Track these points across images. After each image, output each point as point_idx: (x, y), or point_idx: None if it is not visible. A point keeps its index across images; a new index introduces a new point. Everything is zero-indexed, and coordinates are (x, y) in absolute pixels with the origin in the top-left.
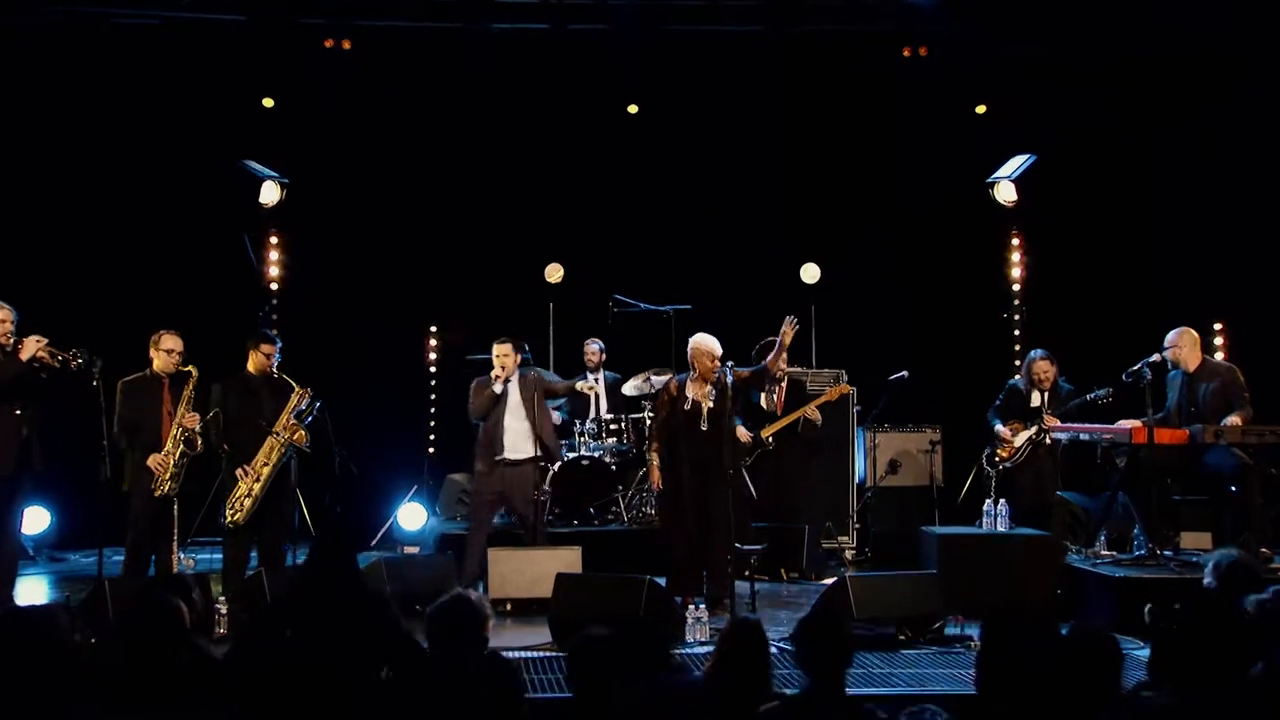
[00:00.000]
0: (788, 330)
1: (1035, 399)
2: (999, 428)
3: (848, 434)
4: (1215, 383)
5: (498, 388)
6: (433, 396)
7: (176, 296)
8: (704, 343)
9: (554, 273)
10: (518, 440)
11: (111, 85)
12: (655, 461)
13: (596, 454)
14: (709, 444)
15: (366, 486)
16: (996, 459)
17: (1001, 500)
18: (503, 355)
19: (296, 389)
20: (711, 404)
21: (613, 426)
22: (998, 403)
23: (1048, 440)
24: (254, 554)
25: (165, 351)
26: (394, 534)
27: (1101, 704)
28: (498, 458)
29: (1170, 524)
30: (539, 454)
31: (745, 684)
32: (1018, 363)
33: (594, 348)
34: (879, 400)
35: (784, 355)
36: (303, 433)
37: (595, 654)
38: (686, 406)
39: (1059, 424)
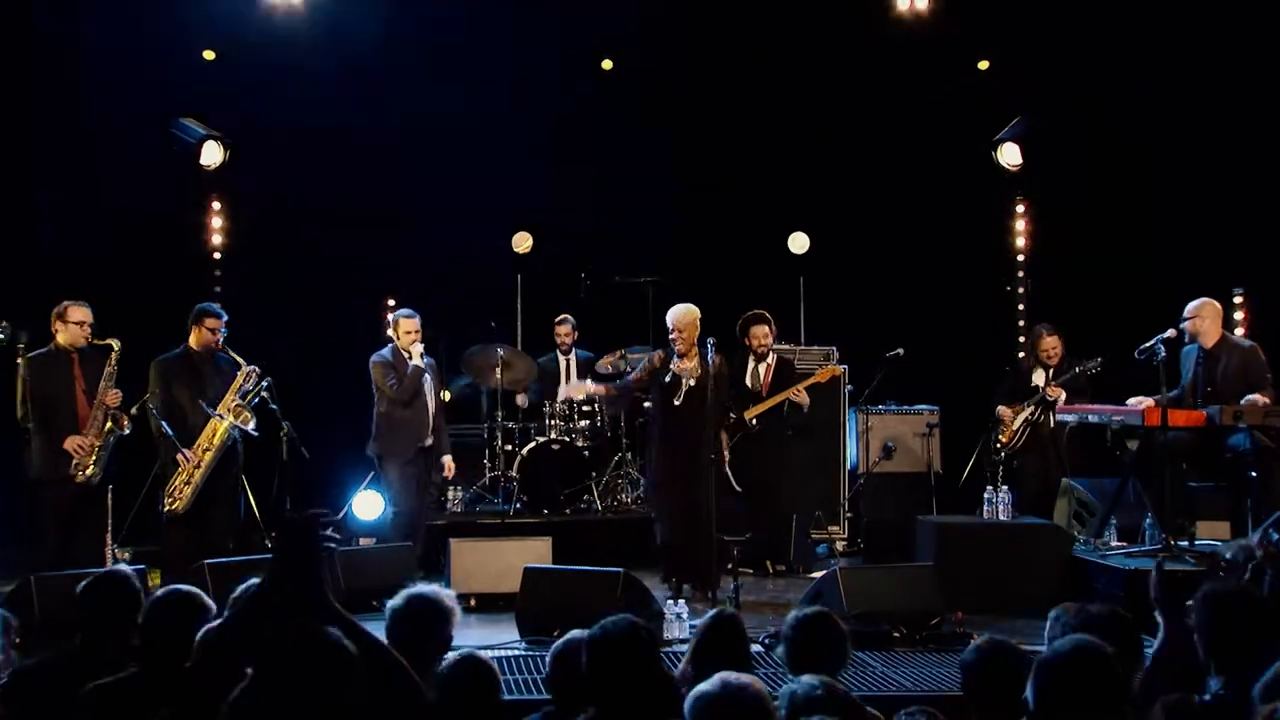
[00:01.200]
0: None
1: (1038, 377)
2: (1000, 409)
3: (839, 416)
4: (1235, 360)
5: (420, 364)
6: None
7: (112, 266)
8: (690, 311)
9: (522, 242)
10: (431, 425)
11: (39, 35)
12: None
13: (568, 438)
14: (685, 423)
15: (319, 472)
16: (997, 444)
17: (1004, 488)
18: (415, 331)
19: (243, 366)
20: (693, 382)
21: (585, 408)
22: (1004, 382)
23: (1051, 422)
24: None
25: (74, 324)
26: (349, 524)
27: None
28: (424, 444)
29: (1185, 512)
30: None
31: None
32: (1022, 339)
33: (566, 326)
34: (872, 380)
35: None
36: (248, 414)
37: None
38: (666, 379)
39: (1062, 395)
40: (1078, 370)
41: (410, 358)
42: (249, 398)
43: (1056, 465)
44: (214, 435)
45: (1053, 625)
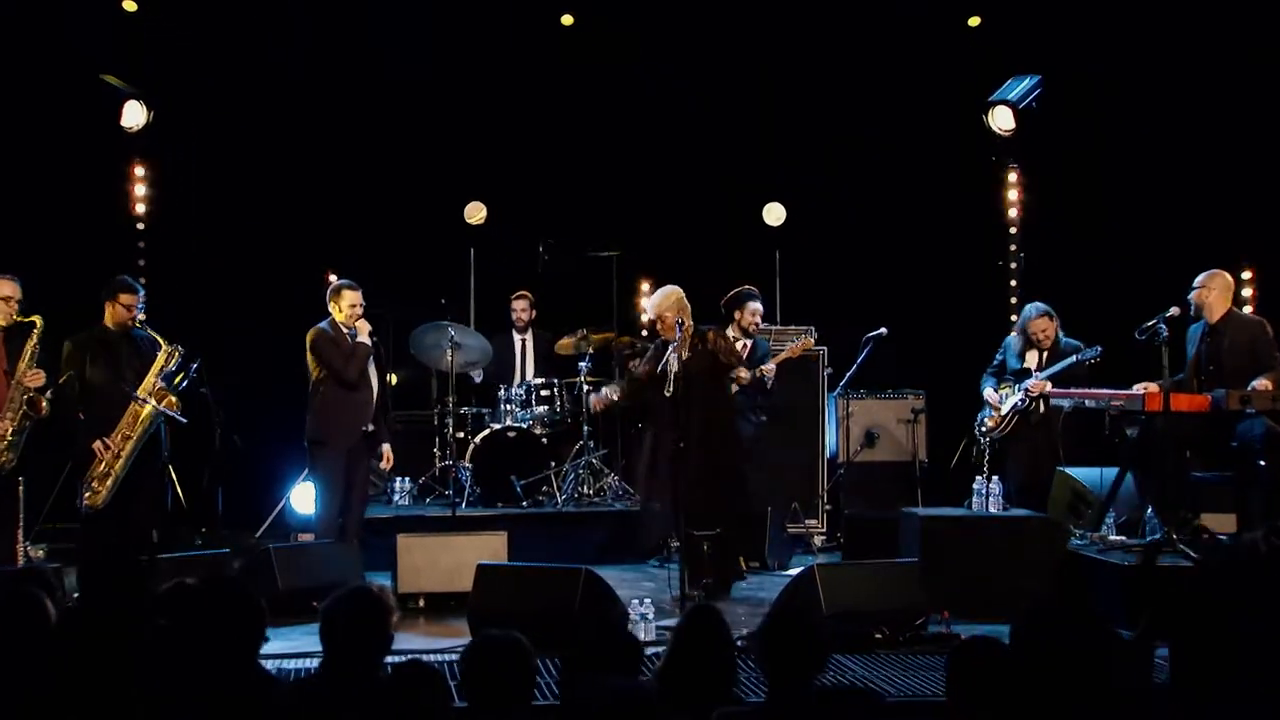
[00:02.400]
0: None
1: (1030, 359)
2: (988, 392)
3: (817, 401)
4: (1241, 336)
5: (367, 340)
6: None
7: (24, 236)
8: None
9: (475, 213)
10: (375, 409)
11: None
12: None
13: (524, 424)
14: (676, 412)
15: (254, 461)
16: (984, 429)
17: (994, 478)
18: (359, 305)
19: (164, 346)
20: (675, 368)
21: (543, 393)
22: (994, 363)
23: (1041, 408)
24: None
25: (1, 300)
26: (286, 519)
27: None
28: (366, 429)
29: (1189, 504)
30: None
31: (703, 681)
32: (1014, 318)
33: (522, 304)
34: (853, 362)
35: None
36: (173, 398)
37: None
38: (658, 370)
39: (1048, 388)
40: (1077, 359)
41: (357, 334)
42: (177, 380)
43: (1048, 454)
44: (136, 422)
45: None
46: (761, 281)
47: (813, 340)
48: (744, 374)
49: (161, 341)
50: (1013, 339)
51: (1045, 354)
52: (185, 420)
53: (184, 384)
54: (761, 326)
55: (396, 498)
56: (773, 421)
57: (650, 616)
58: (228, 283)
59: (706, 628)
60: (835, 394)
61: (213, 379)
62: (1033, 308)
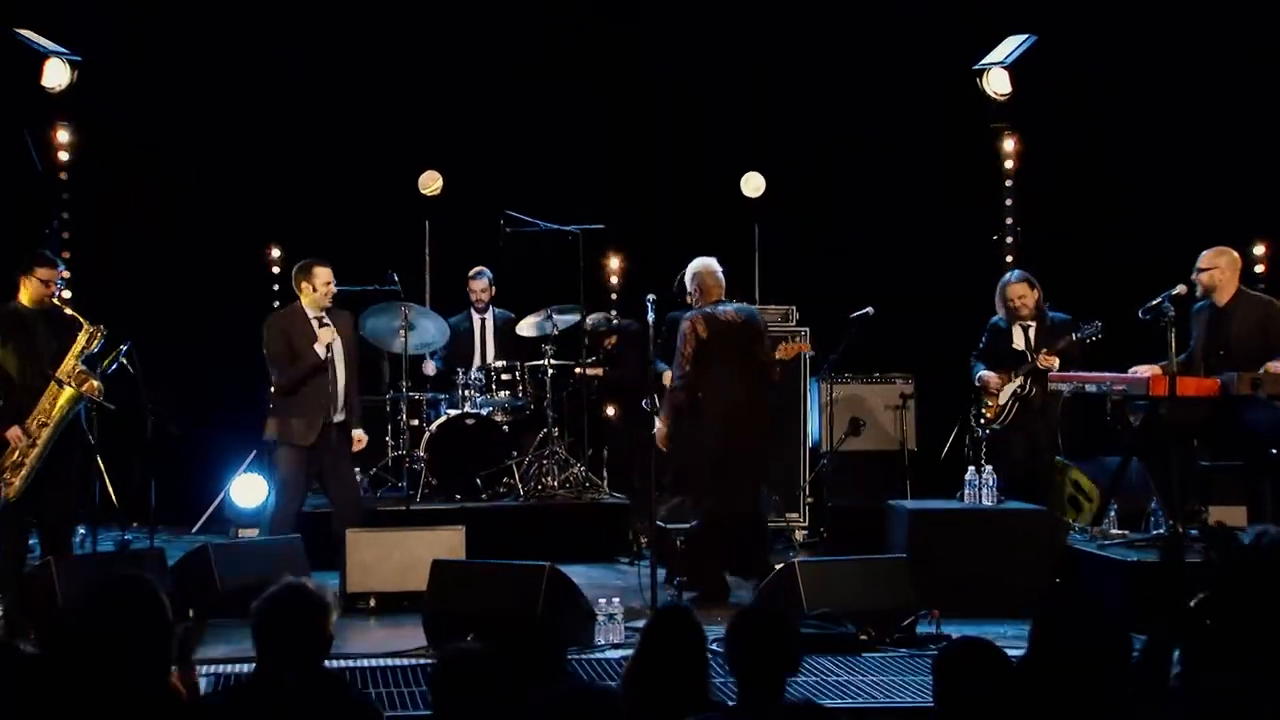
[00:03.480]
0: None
1: (1018, 338)
2: (983, 374)
3: (798, 386)
4: (1252, 317)
5: (321, 349)
6: None
7: None
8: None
9: (430, 182)
10: (342, 399)
11: None
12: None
13: (484, 411)
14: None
15: (191, 451)
16: (982, 418)
17: (987, 468)
18: (332, 282)
19: (85, 326)
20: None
21: (504, 377)
22: (980, 346)
23: (1041, 394)
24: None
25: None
26: (226, 513)
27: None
28: (334, 419)
29: (1196, 495)
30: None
31: (674, 685)
32: None
33: (482, 282)
34: (838, 344)
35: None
36: (94, 383)
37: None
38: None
39: (1055, 365)
40: (1075, 337)
41: (316, 328)
42: (105, 363)
43: (1047, 443)
44: (54, 407)
45: None
46: (738, 257)
47: (808, 344)
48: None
49: (83, 321)
50: (999, 317)
51: (1032, 330)
52: (113, 406)
53: (112, 367)
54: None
55: None
56: None
57: (619, 617)
58: (159, 259)
59: (677, 629)
60: (817, 378)
61: (145, 361)
62: (1011, 274)
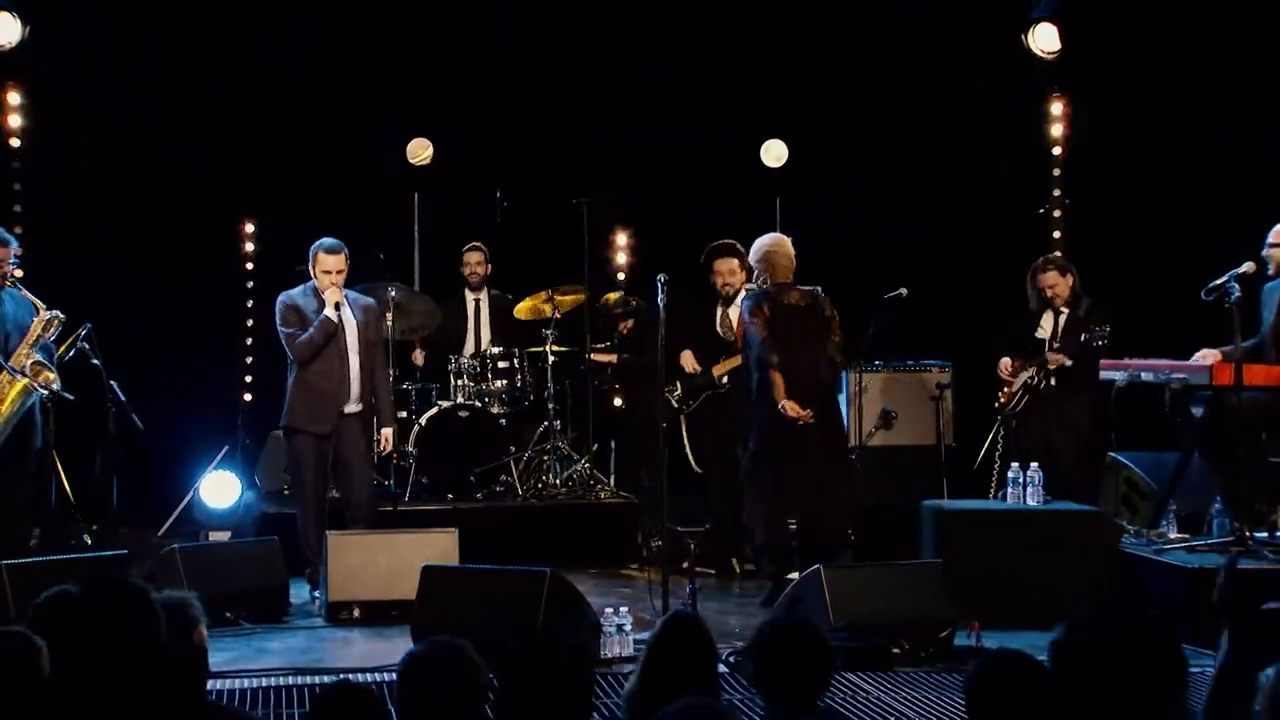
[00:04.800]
0: None
1: (1046, 322)
2: (1002, 362)
3: None
4: None
5: (333, 314)
6: (250, 321)
7: None
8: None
9: (419, 151)
10: (357, 388)
11: None
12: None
13: (479, 402)
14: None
15: (158, 446)
16: (996, 404)
17: (1033, 465)
18: (337, 271)
19: (41, 312)
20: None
21: (501, 365)
22: (1005, 333)
23: (1052, 381)
24: None
25: None
26: (195, 514)
27: None
28: (346, 410)
29: (1264, 495)
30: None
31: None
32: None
33: (476, 257)
34: (867, 329)
35: None
36: (49, 374)
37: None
38: None
39: (1067, 362)
40: (1083, 338)
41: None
42: (61, 351)
43: (1062, 439)
44: (4, 400)
45: None
46: (759, 231)
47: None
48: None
49: (39, 305)
50: (1031, 297)
51: (1064, 316)
52: (71, 397)
53: (70, 354)
54: (740, 285)
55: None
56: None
57: (628, 629)
58: (122, 234)
59: (685, 640)
60: (845, 366)
61: (106, 347)
62: (1043, 260)
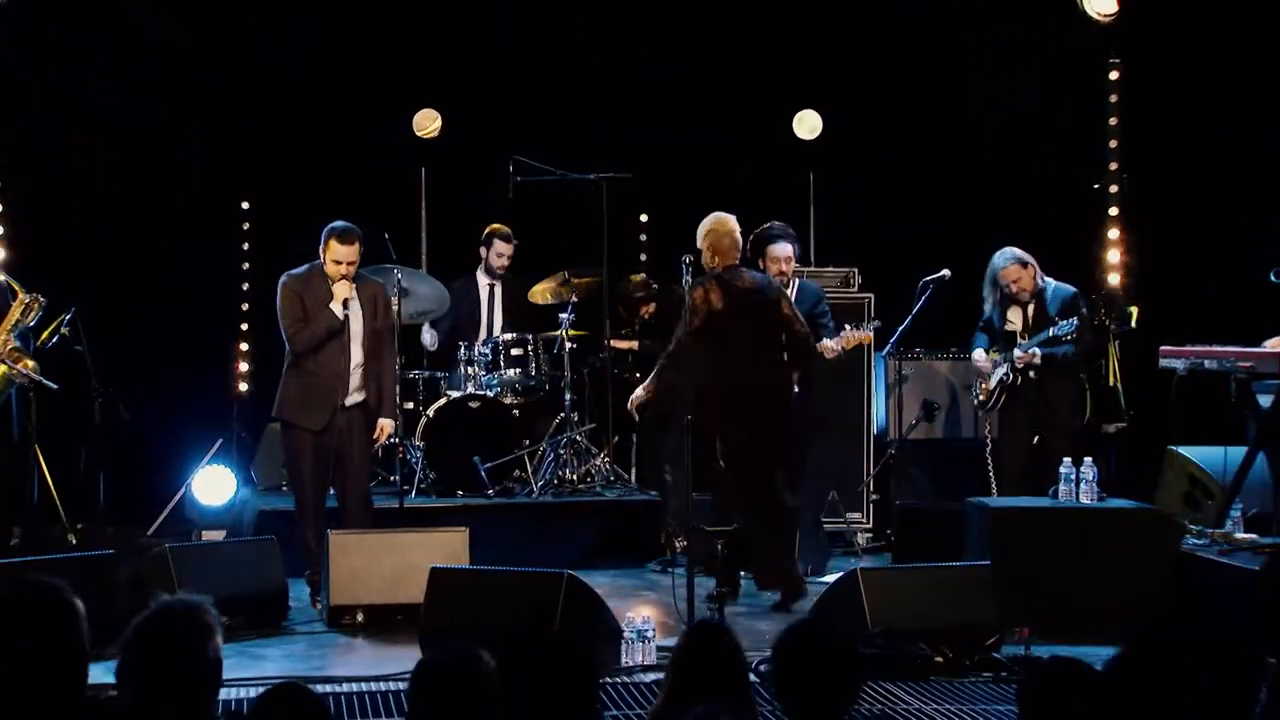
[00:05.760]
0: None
1: (1014, 317)
2: (976, 353)
3: (862, 364)
4: None
5: (340, 311)
6: (245, 306)
7: None
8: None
9: (426, 123)
10: (358, 379)
11: None
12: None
13: (491, 391)
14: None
15: (147, 439)
16: (976, 399)
17: (1086, 461)
18: (347, 263)
19: (20, 295)
20: None
21: (514, 352)
22: (983, 319)
23: (1031, 375)
24: None
25: None
26: (187, 512)
27: None
28: (345, 403)
29: None
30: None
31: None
32: (1112, 254)
33: (508, 247)
34: (907, 313)
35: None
36: (29, 361)
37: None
38: None
39: (1037, 359)
40: (1051, 334)
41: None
42: (44, 337)
43: (1046, 421)
44: None
45: None
46: (792, 210)
47: (870, 334)
48: None
49: (17, 288)
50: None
51: (1031, 308)
52: (55, 386)
53: (52, 341)
54: (789, 274)
55: None
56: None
57: (651, 635)
58: (112, 210)
59: (712, 650)
60: (884, 354)
61: (92, 333)
62: (1000, 255)
